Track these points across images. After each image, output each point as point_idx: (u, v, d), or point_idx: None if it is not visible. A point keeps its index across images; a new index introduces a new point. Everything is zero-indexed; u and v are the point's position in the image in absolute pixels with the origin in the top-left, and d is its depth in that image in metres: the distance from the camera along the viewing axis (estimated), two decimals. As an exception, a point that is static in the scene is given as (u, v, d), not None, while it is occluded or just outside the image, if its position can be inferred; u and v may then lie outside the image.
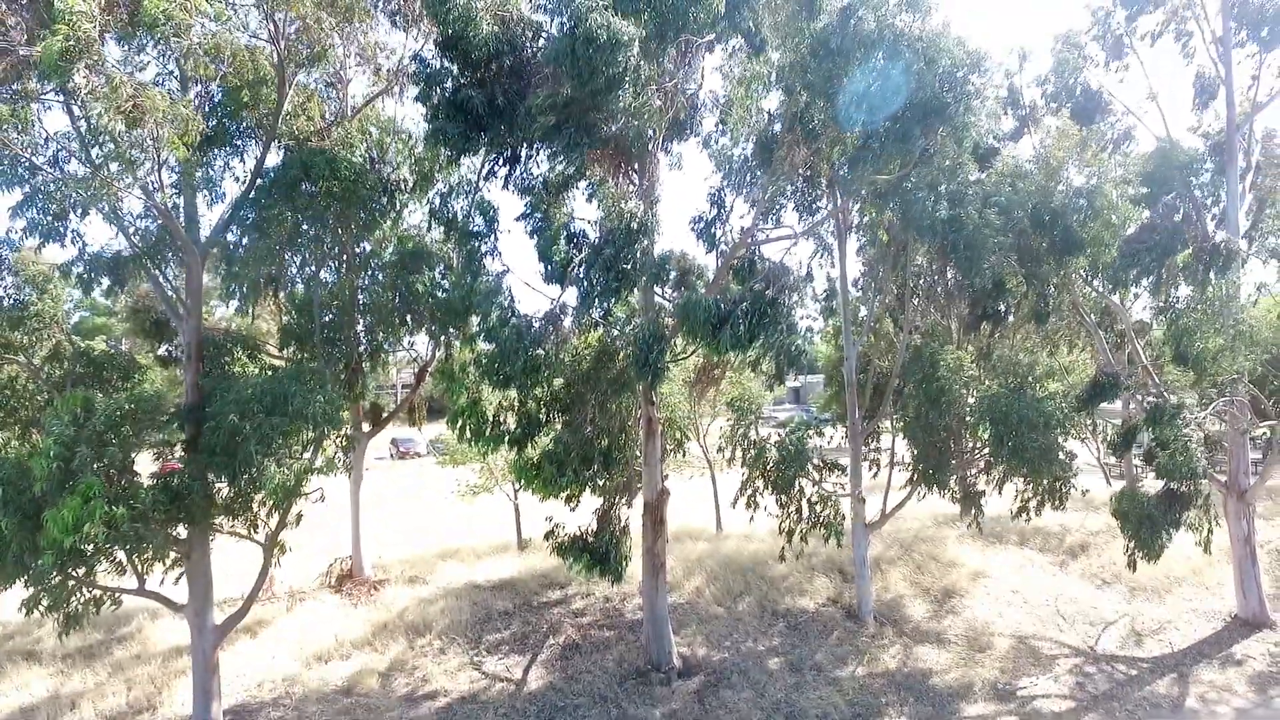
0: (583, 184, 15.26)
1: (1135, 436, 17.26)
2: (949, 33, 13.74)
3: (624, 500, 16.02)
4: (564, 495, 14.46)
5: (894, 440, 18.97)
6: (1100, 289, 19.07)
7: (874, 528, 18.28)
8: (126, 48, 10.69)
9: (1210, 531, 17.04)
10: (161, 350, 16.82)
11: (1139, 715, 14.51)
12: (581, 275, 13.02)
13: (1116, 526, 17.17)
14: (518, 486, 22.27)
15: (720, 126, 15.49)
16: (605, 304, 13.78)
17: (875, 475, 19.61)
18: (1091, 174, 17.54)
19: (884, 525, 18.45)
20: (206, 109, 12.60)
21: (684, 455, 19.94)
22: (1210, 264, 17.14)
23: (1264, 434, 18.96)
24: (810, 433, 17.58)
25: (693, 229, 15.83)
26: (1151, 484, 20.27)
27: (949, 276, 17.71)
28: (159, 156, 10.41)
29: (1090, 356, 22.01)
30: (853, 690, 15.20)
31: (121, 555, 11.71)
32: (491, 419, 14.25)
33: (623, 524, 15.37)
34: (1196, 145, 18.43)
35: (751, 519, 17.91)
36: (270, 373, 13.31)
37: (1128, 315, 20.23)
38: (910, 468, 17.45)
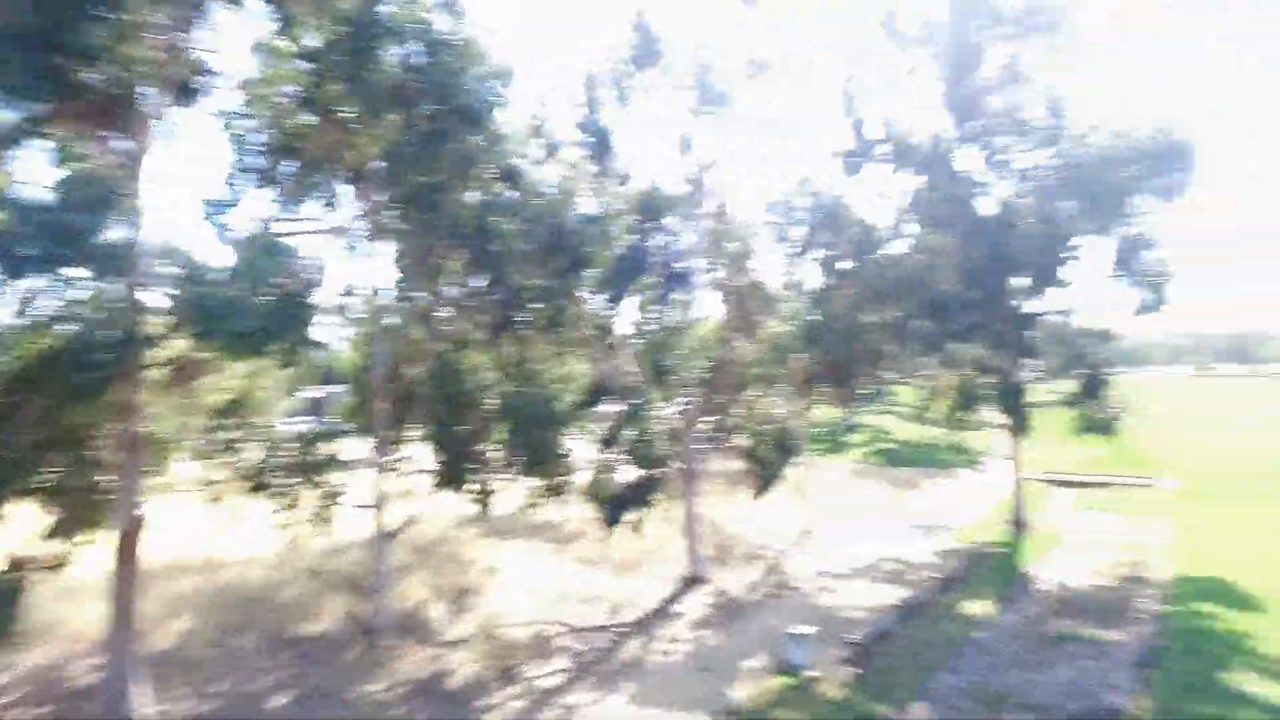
0: (47, 142, 11.77)
1: (620, 433, 20.18)
2: (481, 41, 14.31)
3: (82, 532, 13.00)
4: None
5: (419, 448, 18.87)
6: (599, 303, 21.90)
7: (394, 536, 17.82)
8: None
9: (668, 507, 21.05)
10: None
11: (617, 678, 16.81)
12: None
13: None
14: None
15: (244, 104, 13.52)
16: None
17: (400, 485, 19.20)
18: (601, 204, 20.05)
19: (406, 531, 18.14)
20: None
21: (173, 475, 16.75)
22: (672, 287, 21.29)
23: (710, 427, 24.15)
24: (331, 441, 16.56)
25: (205, 214, 13.58)
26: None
27: (479, 285, 18.27)
28: None
29: (591, 365, 25.08)
30: (368, 708, 14.56)
31: None
32: None
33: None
34: (679, 189, 22.70)
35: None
36: None
37: (616, 329, 23.64)
38: (435, 473, 17.51)
